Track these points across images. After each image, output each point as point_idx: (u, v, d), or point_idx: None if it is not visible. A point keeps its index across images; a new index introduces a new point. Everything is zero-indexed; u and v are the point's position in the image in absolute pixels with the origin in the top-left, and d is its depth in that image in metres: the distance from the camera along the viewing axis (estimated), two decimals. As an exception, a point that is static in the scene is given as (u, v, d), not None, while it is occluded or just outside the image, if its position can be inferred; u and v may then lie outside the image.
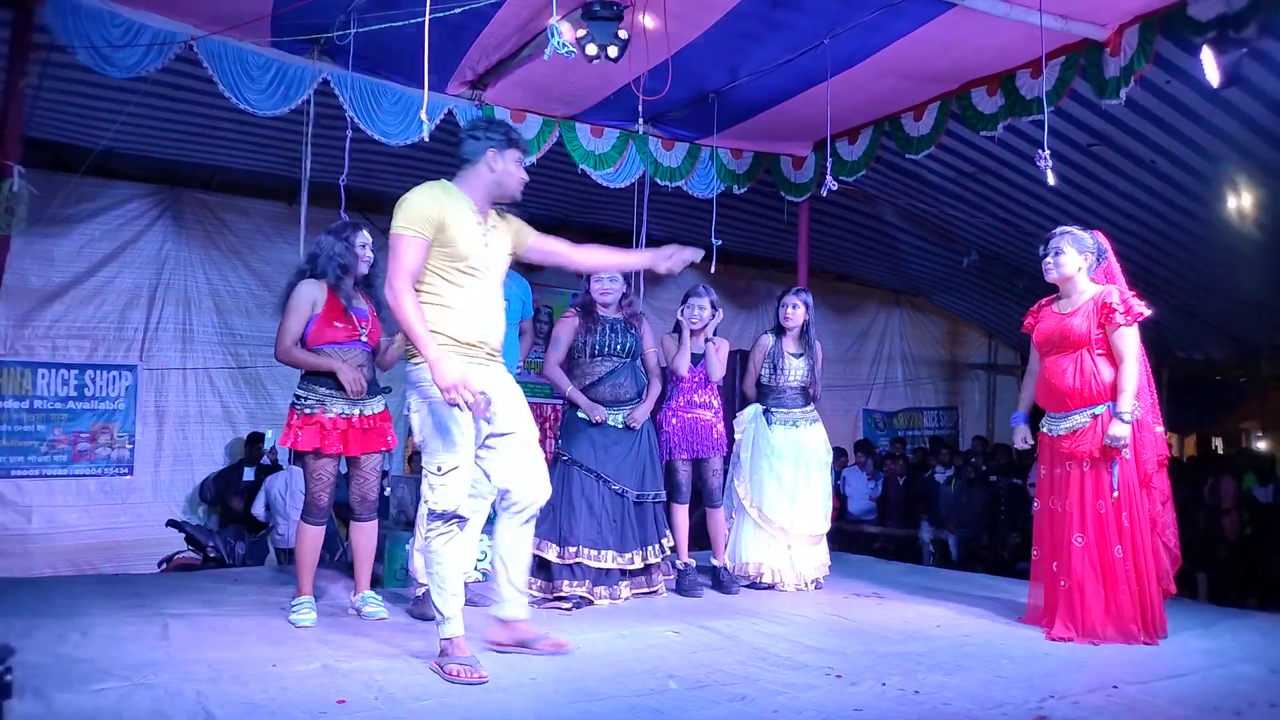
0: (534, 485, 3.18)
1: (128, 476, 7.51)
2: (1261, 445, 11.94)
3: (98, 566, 6.98)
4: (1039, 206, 7.19)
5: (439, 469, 2.99)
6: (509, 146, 3.13)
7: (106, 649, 3.16)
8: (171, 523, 6.66)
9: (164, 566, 6.37)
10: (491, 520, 3.29)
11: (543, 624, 3.64)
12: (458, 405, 2.87)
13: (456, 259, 3.02)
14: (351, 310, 3.81)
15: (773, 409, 4.81)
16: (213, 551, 6.29)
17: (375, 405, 3.87)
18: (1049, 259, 3.83)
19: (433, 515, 3.00)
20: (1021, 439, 4.03)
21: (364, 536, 3.93)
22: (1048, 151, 4.69)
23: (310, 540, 3.79)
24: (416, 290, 2.99)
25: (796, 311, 4.80)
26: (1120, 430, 3.56)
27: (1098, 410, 3.65)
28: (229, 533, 6.63)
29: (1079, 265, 3.79)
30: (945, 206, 7.71)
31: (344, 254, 3.79)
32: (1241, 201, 6.49)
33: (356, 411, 3.78)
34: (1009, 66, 5.29)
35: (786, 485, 4.71)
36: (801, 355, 4.81)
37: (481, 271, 3.09)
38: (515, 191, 3.18)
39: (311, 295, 3.75)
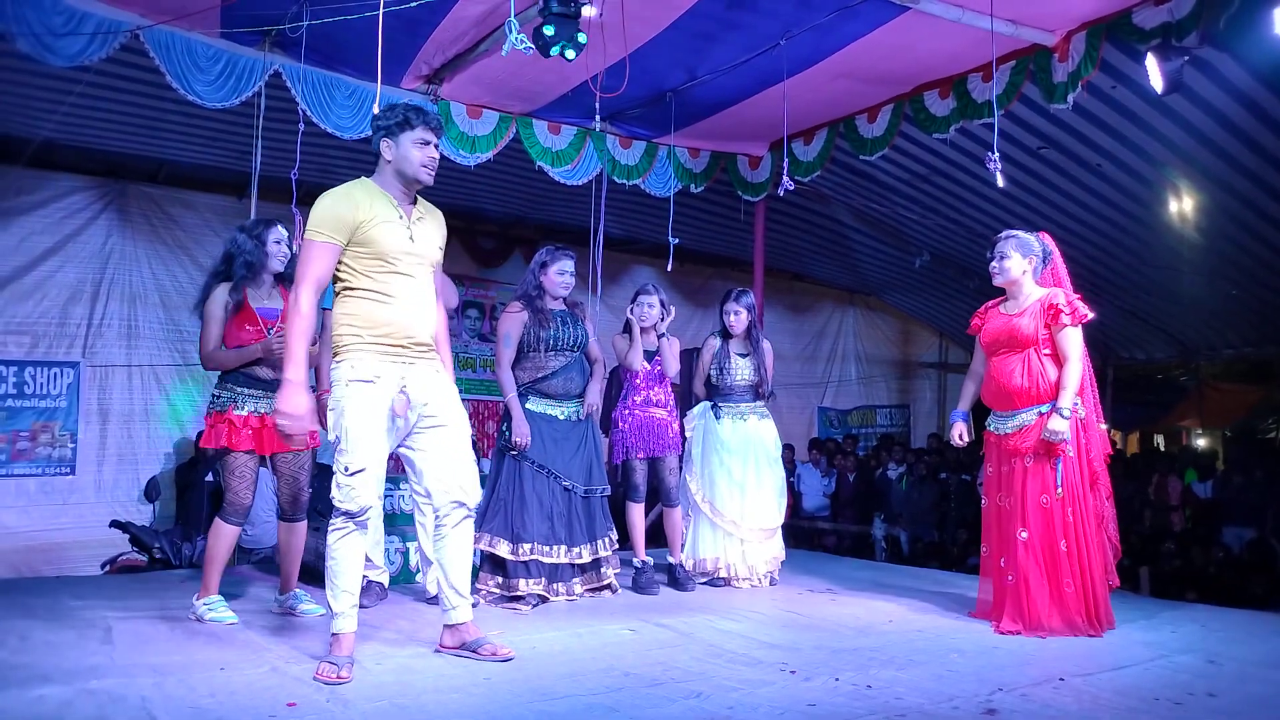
0: (460, 488, 3.11)
1: (69, 476, 7.31)
2: (1201, 442, 12.29)
3: (38, 569, 6.78)
4: (989, 208, 7.32)
5: (345, 469, 2.94)
6: (403, 129, 3.00)
7: (46, 654, 3.08)
8: (115, 523, 6.49)
9: (107, 568, 6.21)
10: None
11: (501, 622, 3.66)
12: (288, 435, 2.90)
13: (379, 257, 2.96)
14: (259, 311, 3.79)
15: (720, 404, 4.85)
16: (158, 553, 6.14)
17: None
18: (994, 263, 3.91)
19: (337, 513, 2.97)
20: (958, 435, 4.08)
21: (294, 536, 3.90)
22: (997, 154, 4.78)
23: (226, 539, 3.74)
24: (344, 290, 2.99)
25: (739, 318, 4.83)
26: (1059, 425, 3.63)
27: (1044, 409, 3.72)
28: (175, 533, 6.49)
29: (1024, 269, 3.86)
30: (898, 207, 7.81)
31: (253, 252, 3.77)
32: (1182, 206, 6.67)
33: (269, 410, 3.73)
34: (960, 70, 5.38)
35: (737, 479, 4.75)
36: (747, 355, 4.85)
37: (408, 267, 3.02)
38: (419, 174, 3.03)
39: (224, 299, 3.75)
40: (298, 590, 3.90)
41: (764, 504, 4.78)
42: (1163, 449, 12.51)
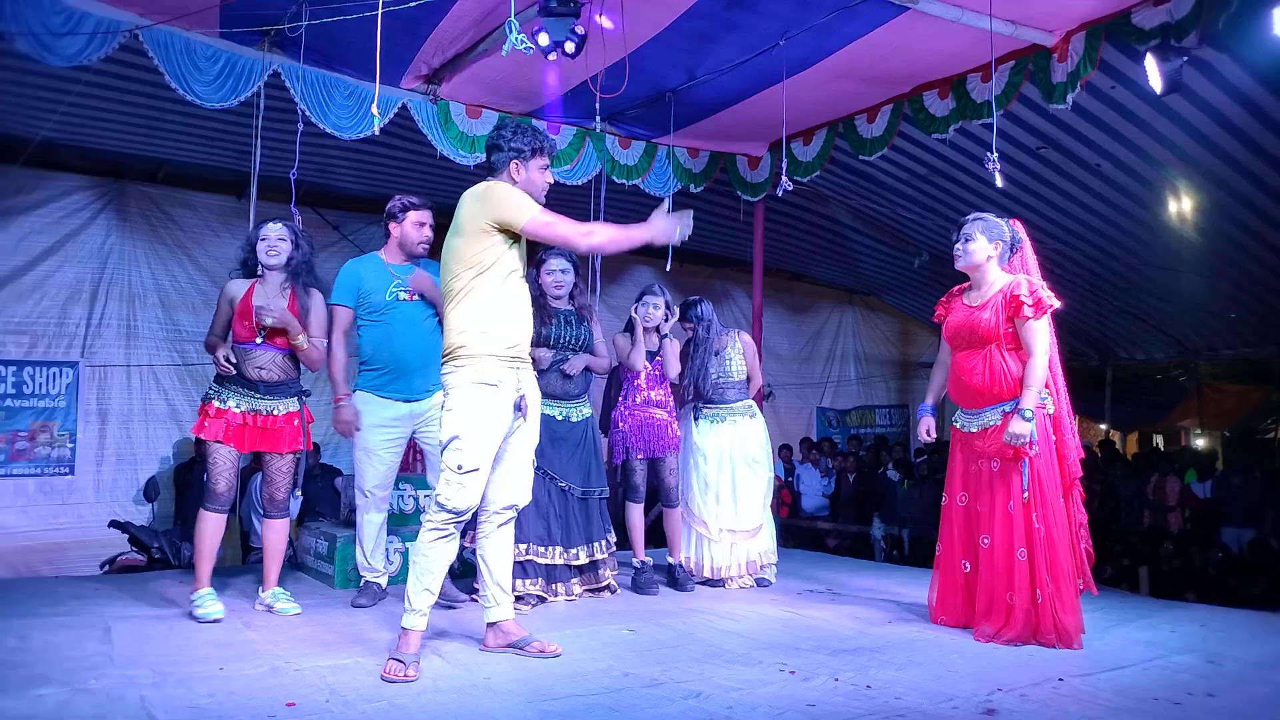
0: (517, 493, 3.28)
1: (68, 476, 7.30)
2: (1200, 443, 12.30)
3: (36, 569, 6.78)
4: (988, 208, 7.24)
5: (459, 467, 3.01)
6: (534, 155, 3.19)
7: (46, 653, 3.08)
8: (114, 523, 6.49)
9: (106, 568, 6.21)
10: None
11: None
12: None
13: (512, 269, 3.13)
14: (257, 308, 3.81)
15: (701, 406, 4.86)
16: (157, 553, 6.14)
17: (283, 406, 3.86)
18: (958, 245, 3.74)
19: (442, 509, 3.02)
20: (925, 431, 3.97)
21: (273, 534, 3.96)
22: (997, 154, 4.78)
23: (209, 528, 3.77)
24: (473, 296, 3.06)
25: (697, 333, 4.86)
26: (1020, 429, 3.43)
27: (1008, 407, 3.54)
28: (174, 533, 6.48)
29: (989, 253, 3.68)
30: (897, 207, 7.81)
31: (247, 251, 3.88)
32: (1182, 206, 6.67)
33: (254, 409, 3.78)
34: (960, 70, 5.38)
35: (711, 482, 4.77)
36: (717, 354, 4.86)
37: (521, 279, 3.19)
38: (541, 197, 3.22)
39: (230, 293, 3.82)
40: (276, 589, 3.93)
41: (738, 507, 4.76)
42: (1162, 449, 12.52)
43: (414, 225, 4.12)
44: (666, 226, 3.15)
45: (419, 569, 3.04)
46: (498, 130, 3.26)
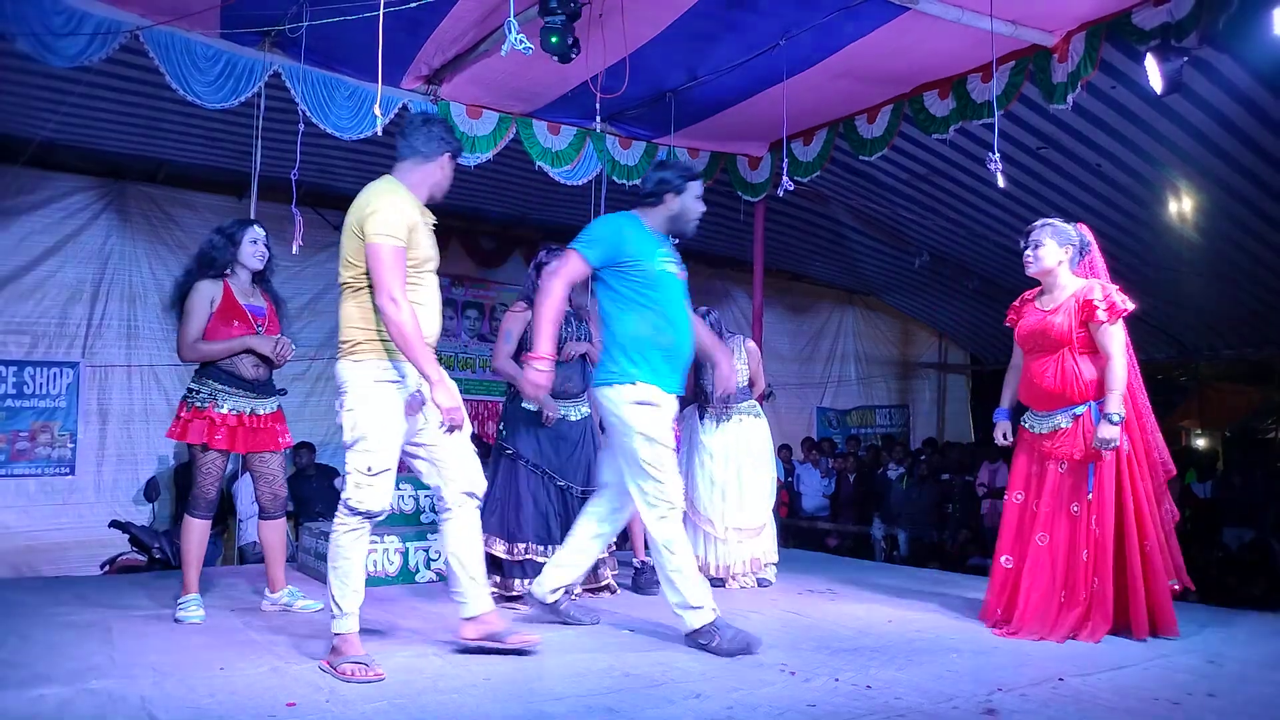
0: (470, 480, 3.17)
1: (69, 476, 7.31)
2: (1201, 443, 12.28)
3: (38, 569, 6.78)
4: (989, 208, 7.33)
5: (369, 469, 2.96)
6: (459, 152, 3.23)
7: (47, 653, 3.08)
8: (115, 523, 6.49)
9: (107, 568, 6.21)
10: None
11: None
12: (458, 427, 2.99)
13: (420, 260, 3.05)
14: (247, 308, 3.82)
15: (707, 406, 4.88)
16: (158, 553, 6.13)
17: (268, 405, 3.87)
18: (1029, 251, 3.74)
19: (354, 513, 2.97)
20: (1001, 435, 3.95)
21: (275, 534, 3.96)
22: (998, 154, 4.78)
23: (197, 534, 3.75)
24: (366, 291, 2.99)
25: None
26: (1109, 432, 3.45)
27: (1079, 411, 3.59)
28: (175, 533, 6.47)
29: (1059, 258, 3.69)
30: (898, 207, 7.81)
31: (220, 249, 3.82)
32: (1182, 206, 6.67)
33: (249, 410, 3.78)
34: (960, 70, 5.38)
35: (718, 480, 4.77)
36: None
37: (434, 268, 3.13)
38: (442, 195, 3.22)
39: (210, 293, 3.77)
40: (291, 587, 3.93)
41: (744, 505, 4.77)
42: (1163, 449, 12.51)
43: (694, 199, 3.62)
44: (450, 393, 2.94)
45: (342, 572, 2.97)
46: (426, 118, 3.19)
